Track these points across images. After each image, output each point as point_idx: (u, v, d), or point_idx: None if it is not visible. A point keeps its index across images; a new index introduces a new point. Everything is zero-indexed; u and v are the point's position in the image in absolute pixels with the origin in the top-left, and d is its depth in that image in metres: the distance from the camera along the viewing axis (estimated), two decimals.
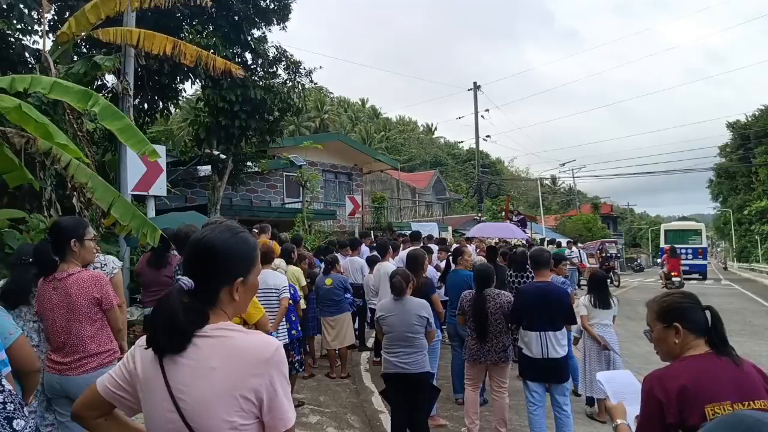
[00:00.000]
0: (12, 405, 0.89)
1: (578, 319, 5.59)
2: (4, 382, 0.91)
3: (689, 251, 25.96)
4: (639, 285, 23.84)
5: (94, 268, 3.99)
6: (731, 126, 45.91)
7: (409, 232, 17.26)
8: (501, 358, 4.89)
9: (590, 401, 5.82)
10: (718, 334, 2.03)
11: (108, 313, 3.13)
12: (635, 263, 49.21)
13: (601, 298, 5.62)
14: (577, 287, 17.16)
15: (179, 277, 1.48)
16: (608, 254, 23.89)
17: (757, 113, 43.98)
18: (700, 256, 26.59)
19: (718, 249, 74.76)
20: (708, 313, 2.06)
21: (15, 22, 8.56)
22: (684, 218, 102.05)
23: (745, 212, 42.54)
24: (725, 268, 47.71)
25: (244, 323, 3.63)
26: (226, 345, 1.40)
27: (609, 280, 20.77)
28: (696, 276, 26.01)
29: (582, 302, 5.68)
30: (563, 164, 47.14)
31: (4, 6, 8.30)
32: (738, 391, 1.87)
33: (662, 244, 27.27)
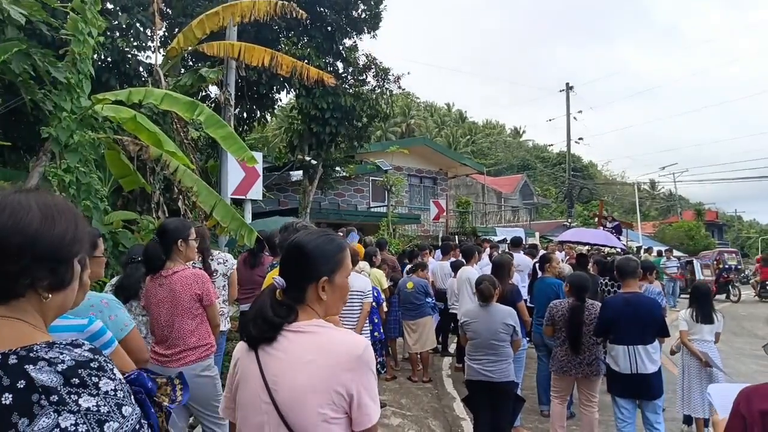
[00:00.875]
0: (122, 392, 0.98)
1: (678, 334, 5.25)
2: (116, 370, 0.99)
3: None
4: (745, 298, 21.63)
5: (218, 264, 4.44)
6: None
7: (495, 237, 16.97)
8: (592, 371, 4.67)
9: (687, 420, 5.42)
10: None
11: (208, 309, 3.34)
12: (742, 275, 45.13)
13: (703, 311, 5.22)
14: (675, 301, 15.95)
15: (275, 277, 1.61)
16: (726, 266, 21.36)
17: None
18: None
19: None
20: None
21: (132, 39, 9.38)
22: None
23: None
24: None
25: None
26: (320, 340, 1.48)
27: (726, 295, 19.07)
28: None
29: (682, 316, 5.31)
30: (663, 168, 44.20)
31: (124, 25, 9.12)
32: None
33: None
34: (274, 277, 1.60)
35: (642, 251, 17.63)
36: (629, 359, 4.34)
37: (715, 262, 21.26)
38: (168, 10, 10.63)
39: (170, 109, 5.99)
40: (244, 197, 7.91)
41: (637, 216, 33.10)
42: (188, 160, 6.21)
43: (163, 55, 9.07)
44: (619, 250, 13.06)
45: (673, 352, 5.48)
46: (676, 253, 23.49)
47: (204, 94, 11.38)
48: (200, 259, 4.20)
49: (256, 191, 7.90)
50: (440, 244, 10.62)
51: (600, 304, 4.79)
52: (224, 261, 4.50)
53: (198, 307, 3.28)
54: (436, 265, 8.52)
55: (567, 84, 28.04)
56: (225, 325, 4.70)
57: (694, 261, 20.67)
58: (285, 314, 1.52)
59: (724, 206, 67.16)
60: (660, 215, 57.52)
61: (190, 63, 11.00)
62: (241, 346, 1.60)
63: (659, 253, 18.48)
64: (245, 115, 12.32)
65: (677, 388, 5.37)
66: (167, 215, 6.51)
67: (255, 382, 1.49)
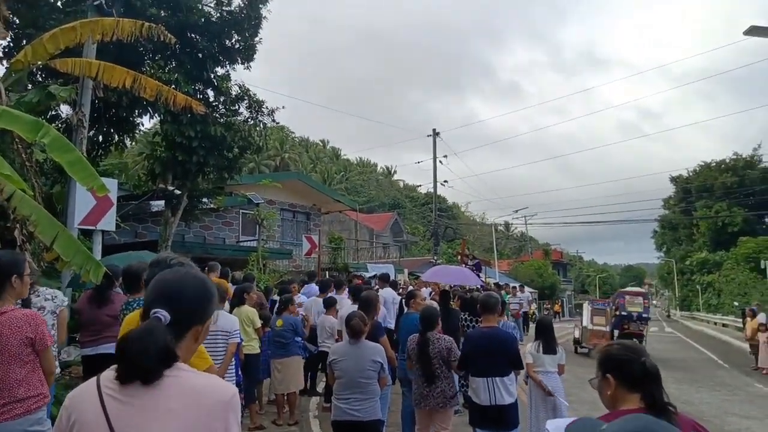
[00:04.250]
0: None
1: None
2: None
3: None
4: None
5: (45, 300, 3.92)
6: (674, 180, 48.43)
7: (367, 273, 17.21)
8: (439, 403, 4.84)
9: None
10: (648, 392, 1.92)
11: (41, 354, 2.96)
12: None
13: (547, 343, 5.69)
14: (523, 336, 16.91)
15: (156, 311, 1.43)
16: (625, 313, 14.44)
17: (697, 169, 46.67)
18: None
19: (663, 297, 77.41)
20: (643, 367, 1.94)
21: None
22: (630, 267, 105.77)
23: (687, 262, 44.32)
24: (668, 316, 49.36)
25: None
26: (184, 385, 1.35)
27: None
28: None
29: (528, 350, 5.74)
30: (516, 211, 48.49)
31: None
32: None
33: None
34: (156, 310, 1.40)
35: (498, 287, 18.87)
36: (488, 391, 4.57)
37: (612, 308, 15.34)
38: (14, 18, 9.62)
39: (8, 128, 5.35)
40: (93, 228, 7.21)
41: (495, 254, 35.76)
42: (30, 184, 5.56)
43: (6, 68, 8.14)
44: (478, 286, 13.88)
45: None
46: (527, 289, 25.36)
47: (54, 113, 10.36)
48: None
49: (108, 222, 7.24)
50: (317, 280, 10.46)
51: (447, 338, 5.01)
52: (53, 297, 4.03)
53: (30, 352, 2.89)
54: (311, 300, 8.41)
55: (434, 130, 29.73)
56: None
57: (584, 305, 16.44)
58: (175, 354, 1.37)
59: (567, 247, 75.12)
60: (514, 254, 62.65)
61: (39, 79, 9.98)
62: (79, 392, 1.38)
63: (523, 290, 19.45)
64: (101, 138, 11.39)
65: (527, 418, 5.75)
66: (0, 247, 5.74)
67: None
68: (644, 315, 14.33)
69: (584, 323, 15.45)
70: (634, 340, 12.90)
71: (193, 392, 1.34)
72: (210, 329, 5.19)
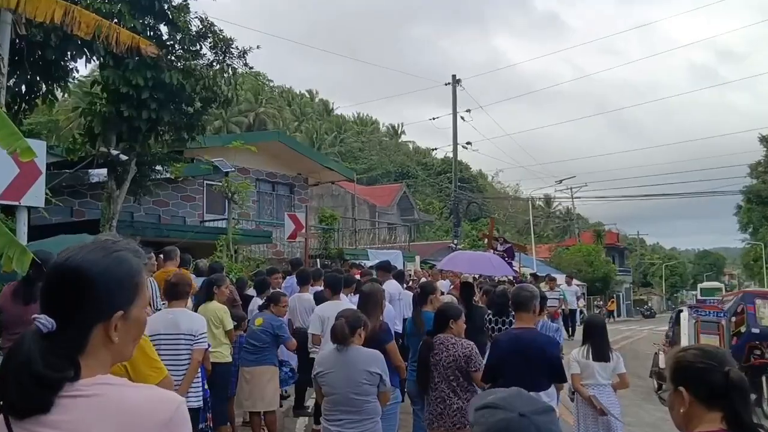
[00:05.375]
0: None
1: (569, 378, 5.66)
2: None
3: (713, 302, 37.69)
4: (649, 334, 23.56)
5: None
6: (765, 140, 47.94)
7: (367, 262, 17.27)
8: (456, 424, 4.86)
9: None
10: (731, 410, 1.91)
11: None
12: (645, 307, 50.74)
13: (597, 348, 5.67)
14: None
15: (36, 318, 1.40)
16: (757, 330, 10.84)
17: None
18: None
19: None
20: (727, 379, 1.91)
21: None
22: (706, 252, 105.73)
23: None
24: None
25: None
26: (109, 405, 1.33)
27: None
28: None
29: (573, 357, 5.73)
30: (560, 181, 46.94)
31: None
32: None
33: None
34: (36, 317, 1.37)
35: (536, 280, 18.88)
36: None
37: (731, 319, 11.76)
38: None
39: None
40: (16, 203, 7.24)
41: (531, 237, 35.71)
42: None
43: None
44: (510, 278, 13.93)
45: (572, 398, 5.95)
46: (574, 282, 25.27)
47: None
48: None
49: (36, 196, 7.24)
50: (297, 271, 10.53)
51: (467, 343, 5.02)
52: None
53: None
54: (294, 297, 8.46)
55: (453, 77, 29.29)
56: None
57: (682, 316, 12.49)
58: (65, 369, 1.33)
59: (625, 227, 74.89)
60: (556, 237, 62.60)
61: None
62: None
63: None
64: (24, 88, 11.37)
65: None
66: None
67: None
68: None
69: (683, 341, 11.45)
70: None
71: (122, 412, 1.33)
72: (171, 332, 5.25)
